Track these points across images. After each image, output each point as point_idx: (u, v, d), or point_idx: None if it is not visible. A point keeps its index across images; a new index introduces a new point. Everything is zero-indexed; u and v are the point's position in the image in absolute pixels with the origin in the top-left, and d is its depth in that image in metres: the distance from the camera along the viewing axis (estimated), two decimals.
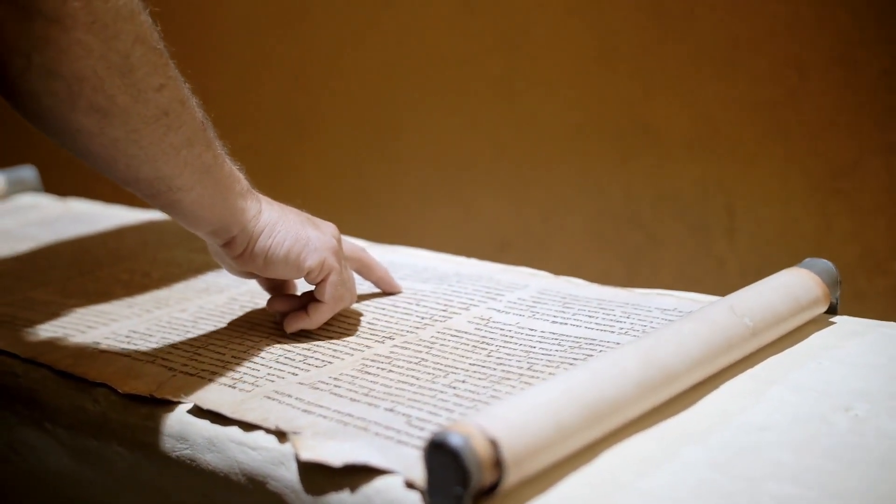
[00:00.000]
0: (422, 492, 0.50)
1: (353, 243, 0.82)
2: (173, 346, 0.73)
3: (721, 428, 0.56)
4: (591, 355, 0.66)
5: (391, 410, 0.59)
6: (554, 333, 0.71)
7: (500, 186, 1.43)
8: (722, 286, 0.78)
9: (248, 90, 1.70)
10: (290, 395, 0.63)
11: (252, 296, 0.84)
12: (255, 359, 0.70)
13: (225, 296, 0.85)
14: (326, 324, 0.75)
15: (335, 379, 0.65)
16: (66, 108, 0.56)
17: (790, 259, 0.74)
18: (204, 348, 0.72)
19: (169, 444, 0.63)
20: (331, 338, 0.73)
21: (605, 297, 0.77)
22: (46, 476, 0.72)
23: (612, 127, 1.30)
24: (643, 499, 0.49)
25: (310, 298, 0.74)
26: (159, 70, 0.59)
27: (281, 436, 0.58)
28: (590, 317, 0.73)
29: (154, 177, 0.62)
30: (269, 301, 0.76)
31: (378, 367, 0.67)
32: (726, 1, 1.18)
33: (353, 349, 0.71)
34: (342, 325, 0.75)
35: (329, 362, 0.68)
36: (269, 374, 0.67)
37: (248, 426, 0.60)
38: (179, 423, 0.63)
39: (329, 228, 0.74)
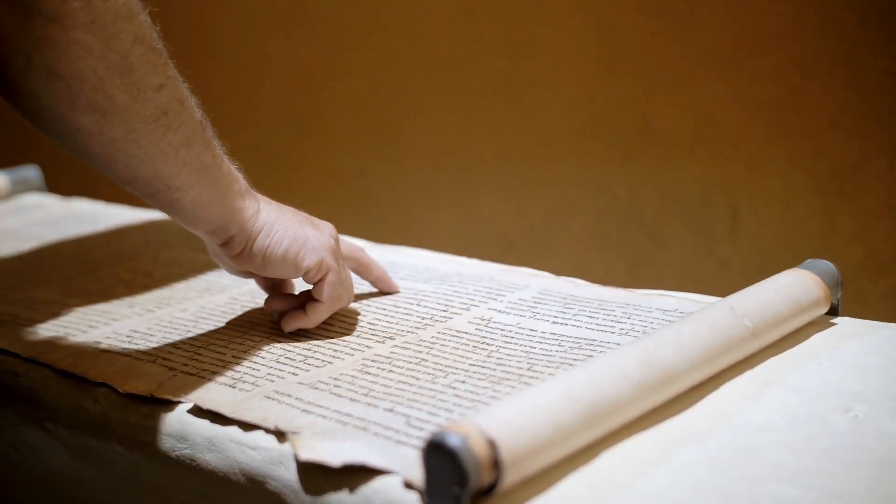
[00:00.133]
0: (420, 492, 0.50)
1: (351, 243, 0.82)
2: (174, 345, 0.73)
3: (721, 428, 0.56)
4: (592, 356, 0.65)
5: (391, 411, 0.59)
6: (554, 334, 0.71)
7: (502, 187, 1.43)
8: (725, 287, 0.78)
9: (250, 90, 1.70)
10: (289, 395, 0.63)
11: (253, 296, 0.84)
12: (256, 358, 0.70)
13: (226, 296, 0.85)
14: (327, 324, 0.75)
15: (335, 379, 0.65)
16: (66, 108, 0.56)
17: (793, 260, 0.74)
18: (205, 348, 0.72)
19: (169, 443, 0.63)
20: (331, 338, 0.73)
21: (605, 298, 0.77)
22: (47, 475, 0.73)
23: (615, 127, 1.30)
24: (642, 499, 0.49)
25: (307, 298, 0.74)
26: (158, 70, 0.59)
27: (280, 436, 0.58)
28: (590, 317, 0.73)
29: (153, 176, 0.62)
30: (267, 300, 0.76)
31: (378, 368, 0.67)
32: (729, 1, 1.18)
33: (353, 349, 0.71)
34: (343, 325, 0.75)
35: (329, 362, 0.68)
36: (269, 373, 0.67)
37: (247, 426, 0.60)
38: (179, 423, 0.63)
39: (327, 228, 0.74)
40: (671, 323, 0.65)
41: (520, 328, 0.72)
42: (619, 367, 0.56)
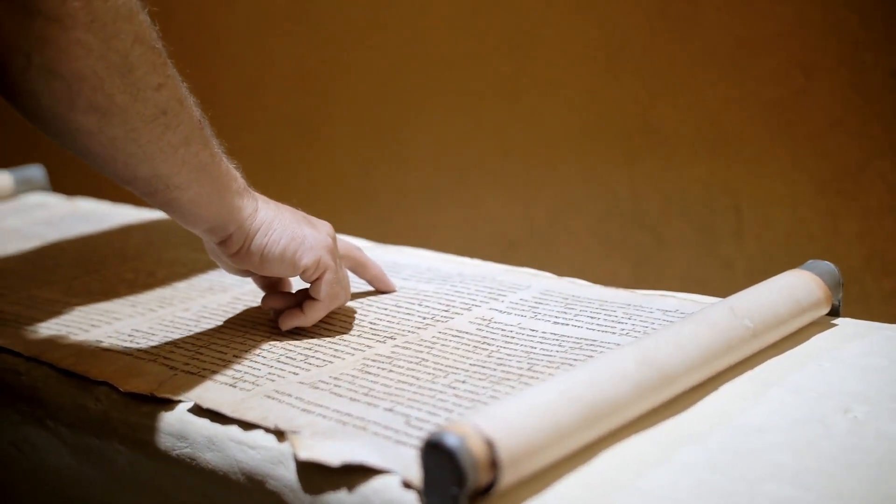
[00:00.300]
0: (418, 492, 0.50)
1: (348, 242, 0.82)
2: (175, 344, 0.74)
3: (720, 429, 0.56)
4: (592, 356, 0.65)
5: (390, 410, 0.59)
6: (555, 334, 0.71)
7: (506, 187, 1.43)
8: (729, 288, 0.78)
9: (254, 90, 1.70)
10: (290, 395, 0.63)
11: (255, 295, 0.84)
12: (257, 358, 0.70)
13: (228, 295, 0.85)
14: (328, 323, 0.75)
15: (335, 378, 0.65)
16: (66, 108, 0.57)
17: (797, 260, 0.74)
18: (206, 347, 0.73)
19: (169, 442, 0.63)
20: (332, 337, 0.73)
21: (606, 298, 0.77)
22: (48, 474, 0.73)
23: (619, 128, 1.30)
24: (641, 499, 0.49)
25: (304, 296, 0.74)
26: (158, 69, 0.59)
27: (280, 435, 0.58)
28: (591, 318, 0.73)
29: (152, 175, 0.62)
30: (264, 298, 0.76)
31: (379, 367, 0.67)
32: (732, 2, 1.18)
33: (354, 349, 0.71)
34: (344, 324, 0.75)
35: (330, 362, 0.68)
36: (269, 373, 0.67)
37: (247, 425, 0.60)
38: (179, 422, 0.63)
39: (324, 227, 0.74)
40: (671, 323, 0.65)
41: (521, 328, 0.72)
42: (618, 367, 0.56)
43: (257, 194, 0.72)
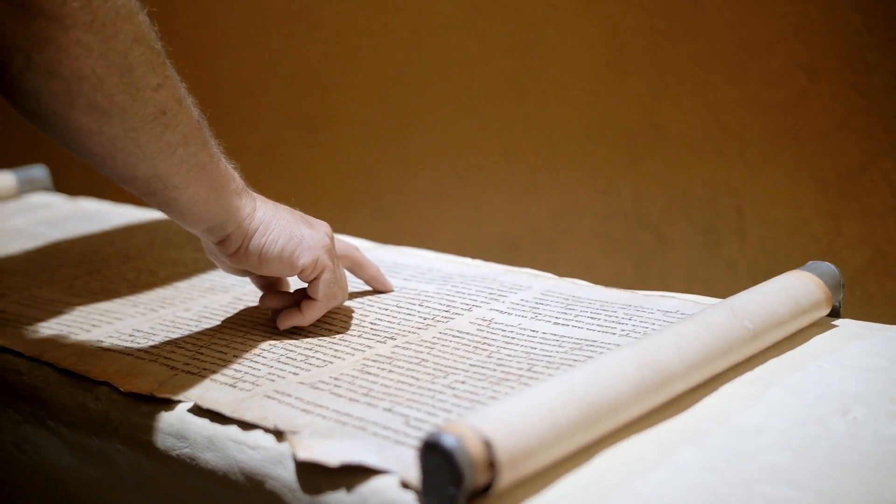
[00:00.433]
0: (416, 492, 0.50)
1: (346, 242, 0.82)
2: (176, 345, 0.74)
3: (718, 430, 0.56)
4: (592, 357, 0.65)
5: (389, 411, 0.59)
6: (555, 335, 0.71)
7: (509, 188, 1.43)
8: (731, 288, 0.78)
9: (257, 91, 1.71)
10: (289, 395, 0.63)
11: (256, 296, 0.84)
12: (257, 358, 0.70)
13: (230, 295, 0.85)
14: (329, 323, 0.75)
15: (335, 379, 0.65)
16: (65, 107, 0.57)
17: (800, 261, 0.73)
18: (206, 347, 0.73)
19: (169, 442, 0.63)
20: (333, 337, 0.73)
21: (607, 299, 0.77)
22: (49, 473, 0.73)
23: (622, 129, 1.30)
24: (638, 500, 0.49)
25: (302, 295, 0.74)
26: (157, 69, 0.60)
27: (279, 435, 0.58)
28: (592, 318, 0.73)
29: (151, 174, 0.63)
30: (262, 297, 0.76)
31: (378, 368, 0.67)
32: (735, 3, 1.17)
33: (354, 349, 0.71)
34: (345, 324, 0.75)
35: (330, 362, 0.69)
36: (269, 373, 0.67)
37: (246, 425, 0.60)
38: (179, 422, 0.63)
39: (322, 227, 0.74)
40: (671, 324, 0.65)
41: (521, 329, 0.72)
42: (617, 367, 0.56)
43: (255, 194, 0.72)
